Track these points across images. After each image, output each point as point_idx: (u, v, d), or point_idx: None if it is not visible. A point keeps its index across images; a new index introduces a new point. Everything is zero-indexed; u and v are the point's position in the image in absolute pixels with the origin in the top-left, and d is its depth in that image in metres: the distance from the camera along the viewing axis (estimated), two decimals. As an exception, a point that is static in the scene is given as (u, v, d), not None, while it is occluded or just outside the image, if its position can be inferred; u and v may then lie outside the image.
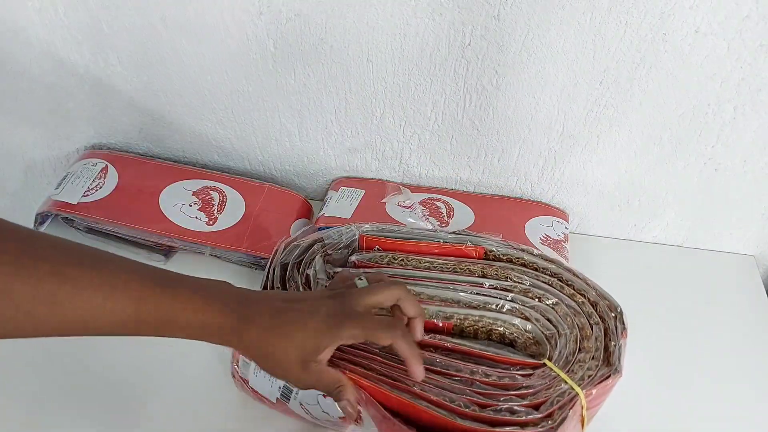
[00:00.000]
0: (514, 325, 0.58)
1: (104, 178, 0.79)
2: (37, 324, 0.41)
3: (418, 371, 0.48)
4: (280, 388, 0.56)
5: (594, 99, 0.67)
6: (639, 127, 0.68)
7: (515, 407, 0.49)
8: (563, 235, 0.76)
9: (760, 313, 0.74)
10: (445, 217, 0.77)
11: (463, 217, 0.77)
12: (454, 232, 0.64)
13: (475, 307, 0.58)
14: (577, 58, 0.63)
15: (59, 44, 0.73)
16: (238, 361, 0.58)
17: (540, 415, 0.49)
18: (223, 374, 0.64)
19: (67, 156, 0.88)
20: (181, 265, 0.76)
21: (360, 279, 0.52)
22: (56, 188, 0.77)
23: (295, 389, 0.56)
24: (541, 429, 0.48)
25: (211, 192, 0.79)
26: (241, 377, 0.59)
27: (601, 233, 0.82)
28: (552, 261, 0.61)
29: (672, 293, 0.76)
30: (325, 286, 0.58)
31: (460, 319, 0.58)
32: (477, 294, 0.59)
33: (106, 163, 0.81)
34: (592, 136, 0.71)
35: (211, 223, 0.76)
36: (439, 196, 0.80)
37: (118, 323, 0.43)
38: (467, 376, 0.53)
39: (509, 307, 0.58)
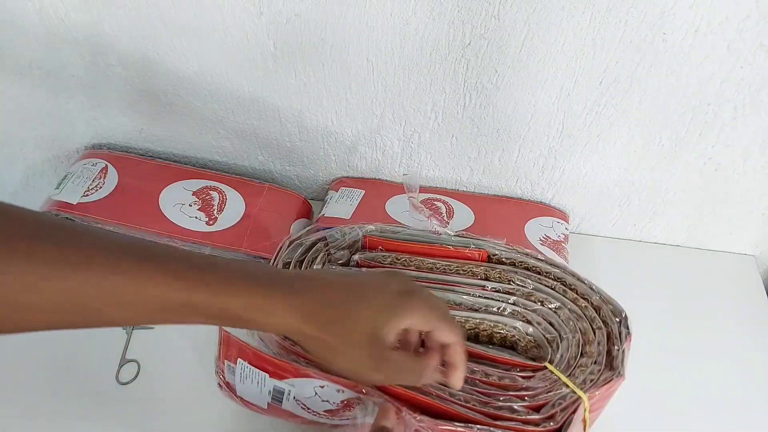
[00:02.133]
0: (515, 328, 0.58)
1: (104, 178, 0.79)
2: (90, 317, 0.40)
3: (460, 381, 0.48)
4: (270, 392, 0.54)
5: (594, 98, 0.67)
6: (639, 126, 0.68)
7: (515, 407, 0.50)
8: (563, 236, 0.76)
9: (760, 313, 0.74)
10: (445, 218, 0.77)
11: (463, 217, 0.77)
12: (457, 235, 0.64)
13: (476, 310, 0.58)
14: (576, 58, 0.63)
15: (59, 44, 0.73)
16: (223, 371, 0.56)
17: (540, 417, 0.49)
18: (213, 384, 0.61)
19: (67, 156, 0.88)
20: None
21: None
22: (56, 188, 0.77)
23: (287, 388, 0.54)
24: (542, 429, 0.49)
25: (211, 192, 0.79)
26: (227, 383, 0.57)
27: (601, 233, 0.82)
28: (556, 265, 0.61)
29: (672, 293, 0.76)
30: None
31: (461, 321, 0.58)
32: (479, 297, 0.59)
33: (106, 163, 0.81)
34: (592, 136, 0.71)
35: (211, 223, 0.76)
36: (439, 197, 0.80)
37: (168, 314, 0.42)
38: (467, 375, 0.52)
39: (511, 310, 0.58)
